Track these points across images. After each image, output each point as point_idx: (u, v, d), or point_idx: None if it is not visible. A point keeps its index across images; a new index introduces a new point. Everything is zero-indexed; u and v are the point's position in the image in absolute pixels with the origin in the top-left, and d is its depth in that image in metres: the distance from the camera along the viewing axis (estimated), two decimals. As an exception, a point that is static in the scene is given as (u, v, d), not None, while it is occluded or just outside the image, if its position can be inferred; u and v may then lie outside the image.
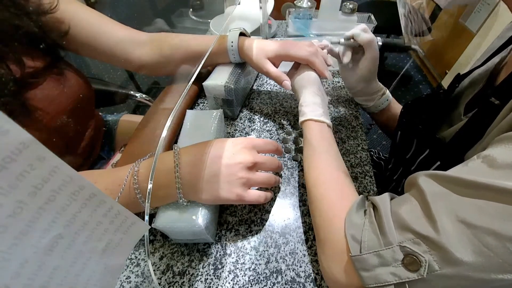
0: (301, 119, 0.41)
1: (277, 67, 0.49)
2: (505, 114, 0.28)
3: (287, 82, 0.47)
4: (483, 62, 0.43)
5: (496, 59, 0.40)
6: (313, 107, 0.41)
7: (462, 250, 0.21)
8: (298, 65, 0.49)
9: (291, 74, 0.49)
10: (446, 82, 1.80)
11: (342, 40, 0.49)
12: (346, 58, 0.50)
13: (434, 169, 0.38)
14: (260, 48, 0.49)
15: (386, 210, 0.26)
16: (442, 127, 0.43)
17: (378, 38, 0.50)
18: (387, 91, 0.54)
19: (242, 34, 0.51)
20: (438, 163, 0.37)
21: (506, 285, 0.21)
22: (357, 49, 0.50)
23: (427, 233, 0.22)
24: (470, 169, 0.24)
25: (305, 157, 0.39)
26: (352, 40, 0.48)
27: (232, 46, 0.50)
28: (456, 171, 0.24)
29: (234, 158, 0.33)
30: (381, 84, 0.53)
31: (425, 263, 0.22)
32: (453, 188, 0.23)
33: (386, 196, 0.29)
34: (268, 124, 0.55)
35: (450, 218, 0.22)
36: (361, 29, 0.47)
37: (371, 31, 0.75)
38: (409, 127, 0.44)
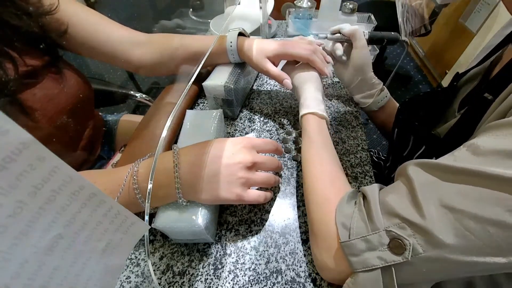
0: (304, 111, 0.42)
1: (276, 66, 0.49)
2: (495, 108, 0.29)
3: (288, 81, 0.47)
4: (480, 61, 0.43)
5: (492, 58, 0.40)
6: (316, 102, 0.42)
7: (445, 233, 0.21)
8: (292, 62, 0.50)
9: (287, 71, 0.49)
10: (446, 82, 1.79)
11: (329, 35, 0.52)
12: (339, 51, 0.51)
13: None
14: (259, 48, 0.49)
15: (375, 198, 0.27)
16: (438, 124, 0.44)
17: (365, 31, 0.52)
18: (385, 88, 0.55)
19: (241, 34, 0.51)
20: (434, 158, 0.37)
21: (490, 269, 0.22)
22: (346, 44, 0.52)
23: (413, 219, 0.23)
24: (456, 157, 0.25)
25: (303, 150, 0.40)
26: (338, 34, 0.51)
27: (231, 46, 0.50)
28: (443, 160, 0.25)
29: (233, 158, 0.33)
30: (377, 78, 0.54)
31: (410, 246, 0.23)
32: (439, 175, 0.24)
33: (375, 186, 0.30)
34: (268, 124, 0.55)
35: (435, 203, 0.23)
36: (345, 24, 0.51)
37: (372, 30, 0.75)
38: (406, 124, 0.45)
